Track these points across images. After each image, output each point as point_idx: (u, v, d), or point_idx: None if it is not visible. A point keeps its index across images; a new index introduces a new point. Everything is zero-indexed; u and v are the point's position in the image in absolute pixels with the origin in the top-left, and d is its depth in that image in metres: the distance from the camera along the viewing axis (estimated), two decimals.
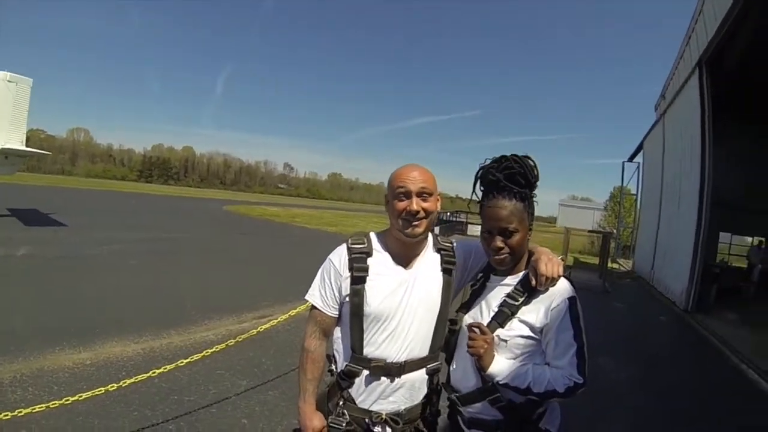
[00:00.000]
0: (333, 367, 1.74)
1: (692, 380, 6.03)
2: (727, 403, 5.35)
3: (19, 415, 2.78)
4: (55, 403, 2.97)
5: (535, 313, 1.54)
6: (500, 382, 1.52)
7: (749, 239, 19.12)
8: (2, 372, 4.05)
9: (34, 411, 2.86)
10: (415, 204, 1.60)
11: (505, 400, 1.55)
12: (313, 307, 1.75)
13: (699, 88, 11.03)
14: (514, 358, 1.55)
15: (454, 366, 1.71)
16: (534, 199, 1.62)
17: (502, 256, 1.57)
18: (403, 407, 1.68)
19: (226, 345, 3.96)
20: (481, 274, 1.76)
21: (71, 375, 4.14)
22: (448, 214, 34.18)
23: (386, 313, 1.63)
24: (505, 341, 1.55)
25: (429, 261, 1.74)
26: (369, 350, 1.64)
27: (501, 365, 1.52)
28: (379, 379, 1.65)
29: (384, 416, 1.65)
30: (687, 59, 12.60)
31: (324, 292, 1.72)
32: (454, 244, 1.82)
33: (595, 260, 18.69)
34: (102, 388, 3.15)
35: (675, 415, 4.72)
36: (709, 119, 10.64)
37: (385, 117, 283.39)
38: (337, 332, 1.76)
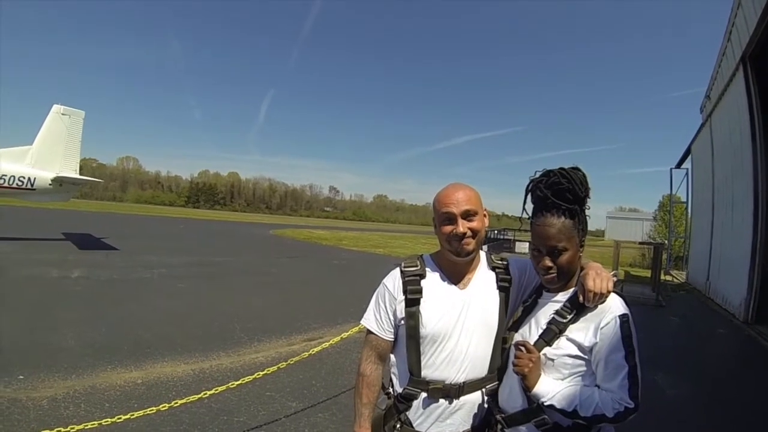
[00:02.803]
0: (390, 389, 1.72)
1: (757, 397, 5.61)
2: None
3: (72, 431, 2.87)
4: (107, 421, 3.07)
5: (583, 331, 1.47)
6: (546, 404, 1.45)
7: None
8: (56, 388, 4.23)
9: (86, 427, 2.95)
10: (461, 226, 1.60)
11: (550, 422, 1.47)
12: (369, 332, 1.74)
13: (745, 85, 10.59)
14: (561, 379, 1.48)
15: (502, 385, 1.65)
16: (587, 211, 1.56)
17: (551, 276, 1.53)
18: (461, 429, 1.64)
19: (277, 367, 3.98)
20: (533, 292, 1.71)
21: (122, 393, 4.27)
22: (495, 232, 33.86)
23: (443, 334, 1.61)
24: (552, 360, 1.48)
25: (484, 280, 1.72)
26: (427, 372, 1.62)
27: (547, 385, 1.46)
28: (437, 401, 1.62)
29: None
30: (729, 56, 12.12)
31: (379, 316, 1.72)
32: (509, 262, 1.80)
33: (647, 273, 18.03)
34: (153, 408, 3.23)
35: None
36: (758, 117, 10.17)
37: (429, 137, 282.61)
38: (394, 355, 1.75)
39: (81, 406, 3.90)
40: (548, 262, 1.52)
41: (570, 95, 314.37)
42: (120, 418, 3.09)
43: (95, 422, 3.02)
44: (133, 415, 3.14)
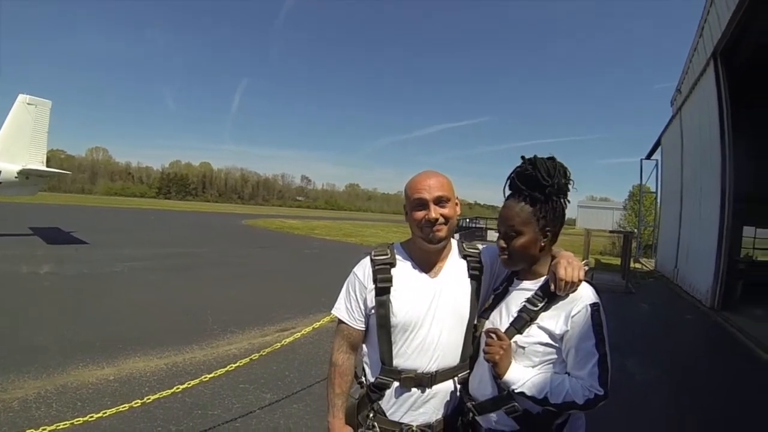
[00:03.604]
0: (363, 379, 1.72)
1: (724, 381, 5.85)
2: (761, 404, 5.17)
3: None
4: (79, 420, 2.99)
5: (554, 319, 1.48)
6: (516, 391, 1.46)
7: None
8: (27, 388, 4.11)
9: (58, 428, 2.87)
10: (433, 212, 1.59)
11: (521, 410, 1.49)
12: (340, 321, 1.73)
13: (715, 81, 10.87)
14: (532, 366, 1.49)
15: (472, 373, 1.66)
16: (557, 202, 1.55)
17: (503, 257, 1.56)
18: (434, 418, 1.64)
19: (250, 359, 3.96)
20: (505, 280, 1.72)
21: (95, 391, 4.18)
22: (468, 220, 34.16)
23: (413, 322, 1.61)
24: (523, 348, 1.49)
25: (455, 268, 1.71)
26: (399, 362, 1.62)
27: (517, 373, 1.47)
28: (410, 390, 1.62)
29: (415, 428, 1.62)
30: (701, 51, 12.43)
31: (350, 305, 1.71)
32: (480, 250, 1.79)
33: (617, 261, 18.49)
34: (126, 404, 3.16)
35: (708, 420, 4.58)
36: (727, 111, 10.45)
37: (402, 126, 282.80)
38: (366, 344, 1.74)
39: (53, 406, 3.80)
40: (501, 243, 1.55)
41: (544, 86, 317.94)
42: (92, 417, 3.02)
43: (67, 422, 2.93)
44: (105, 413, 3.07)
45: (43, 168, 17.57)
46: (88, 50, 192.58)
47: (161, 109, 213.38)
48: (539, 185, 1.51)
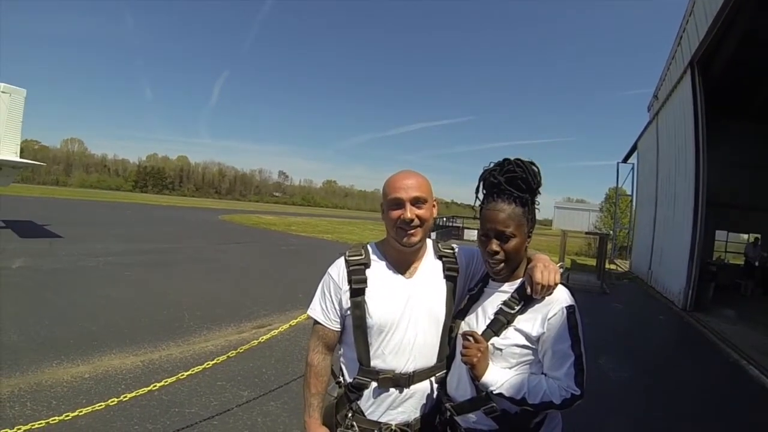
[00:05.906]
0: (341, 378, 1.73)
1: (694, 378, 6.05)
2: (729, 400, 5.39)
3: None
4: (54, 419, 2.94)
5: (531, 321, 1.51)
6: (494, 392, 1.49)
7: (745, 236, 19.25)
8: (0, 387, 4.01)
9: (33, 427, 2.82)
10: (409, 212, 1.58)
11: (499, 410, 1.51)
12: (316, 322, 1.73)
13: (691, 89, 11.15)
14: (509, 368, 1.52)
15: (450, 374, 1.68)
16: (536, 206, 1.58)
17: (497, 260, 1.54)
18: (412, 417, 1.66)
19: (227, 356, 3.93)
20: (480, 281, 1.74)
21: (70, 389, 4.10)
22: (444, 219, 34.27)
23: (389, 323, 1.61)
24: (500, 350, 1.51)
25: (431, 269, 1.72)
26: (376, 362, 1.63)
27: (495, 375, 1.49)
28: (388, 390, 1.63)
29: (393, 427, 1.63)
30: (678, 60, 12.72)
31: (325, 306, 1.71)
32: (456, 250, 1.80)
33: (593, 262, 18.77)
34: (102, 403, 3.12)
35: (679, 415, 4.73)
36: (702, 119, 10.74)
37: (380, 123, 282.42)
38: (343, 345, 1.75)
39: (27, 405, 3.72)
40: (495, 246, 1.53)
41: (522, 88, 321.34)
42: (68, 416, 2.97)
43: (42, 421, 2.89)
44: (81, 411, 3.02)
45: (17, 159, 17.03)
46: (62, 37, 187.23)
47: (140, 99, 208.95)
48: (529, 188, 1.53)
